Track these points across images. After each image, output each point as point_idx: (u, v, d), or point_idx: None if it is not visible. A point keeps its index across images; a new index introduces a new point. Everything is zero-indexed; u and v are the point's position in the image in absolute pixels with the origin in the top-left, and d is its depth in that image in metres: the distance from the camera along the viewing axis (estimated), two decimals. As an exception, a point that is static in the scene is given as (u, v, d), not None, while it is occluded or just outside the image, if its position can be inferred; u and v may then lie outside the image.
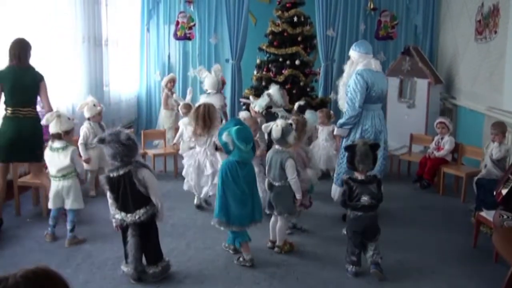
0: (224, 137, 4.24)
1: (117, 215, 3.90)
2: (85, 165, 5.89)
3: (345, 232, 4.41)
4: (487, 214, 4.48)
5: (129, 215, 3.84)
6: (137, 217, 3.82)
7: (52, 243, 4.66)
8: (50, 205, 4.71)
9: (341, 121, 5.45)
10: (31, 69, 5.13)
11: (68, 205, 4.69)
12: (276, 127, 4.40)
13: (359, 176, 4.12)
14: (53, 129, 4.68)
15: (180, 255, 4.47)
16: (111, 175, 3.82)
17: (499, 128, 5.49)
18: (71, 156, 4.66)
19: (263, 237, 4.80)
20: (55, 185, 4.68)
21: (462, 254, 4.59)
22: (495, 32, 6.58)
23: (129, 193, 3.80)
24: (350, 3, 9.45)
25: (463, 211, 5.71)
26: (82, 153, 5.92)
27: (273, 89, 5.82)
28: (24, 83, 5.00)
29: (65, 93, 7.11)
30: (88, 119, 6.13)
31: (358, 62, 5.40)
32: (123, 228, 3.94)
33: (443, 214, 5.68)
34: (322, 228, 5.13)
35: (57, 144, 4.68)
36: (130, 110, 9.87)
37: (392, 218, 5.54)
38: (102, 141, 3.77)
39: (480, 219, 4.64)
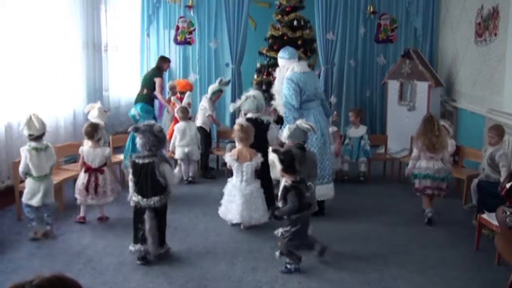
0: (133, 111, 6.50)
1: (134, 197, 4.34)
2: None
3: (278, 233, 4.32)
4: (489, 217, 4.47)
5: (144, 199, 4.29)
6: (151, 203, 4.28)
7: (52, 247, 4.66)
8: (39, 203, 4.83)
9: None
10: (152, 70, 8.24)
11: (50, 199, 4.97)
12: (306, 126, 4.58)
13: (297, 177, 4.22)
14: (31, 131, 4.83)
15: (181, 260, 4.46)
16: (137, 161, 4.32)
17: (496, 131, 5.50)
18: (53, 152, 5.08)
19: (265, 243, 4.80)
20: (47, 182, 4.89)
21: (464, 256, 4.58)
22: (495, 34, 6.58)
23: (149, 181, 4.28)
24: (349, 6, 9.47)
25: (464, 214, 5.71)
26: None
27: (257, 93, 5.80)
28: (145, 77, 8.20)
29: (65, 98, 7.12)
30: None
31: (285, 67, 5.69)
32: (138, 211, 4.35)
33: (445, 216, 5.66)
34: (322, 231, 5.11)
35: (40, 144, 4.87)
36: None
37: (393, 221, 5.53)
38: (136, 129, 4.31)
39: (482, 222, 4.63)
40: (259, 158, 5.20)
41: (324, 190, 5.53)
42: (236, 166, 5.12)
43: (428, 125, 5.57)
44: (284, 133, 4.70)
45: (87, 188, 5.24)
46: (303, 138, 4.58)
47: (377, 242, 4.90)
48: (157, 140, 4.27)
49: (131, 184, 4.40)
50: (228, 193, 5.23)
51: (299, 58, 5.88)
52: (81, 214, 5.36)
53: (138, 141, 4.32)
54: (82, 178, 5.26)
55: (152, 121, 4.43)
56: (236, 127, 5.25)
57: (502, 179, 5.24)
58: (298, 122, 4.61)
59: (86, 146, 5.38)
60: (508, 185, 3.96)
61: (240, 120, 5.41)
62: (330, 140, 5.90)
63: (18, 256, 4.46)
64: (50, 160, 4.95)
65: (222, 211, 5.27)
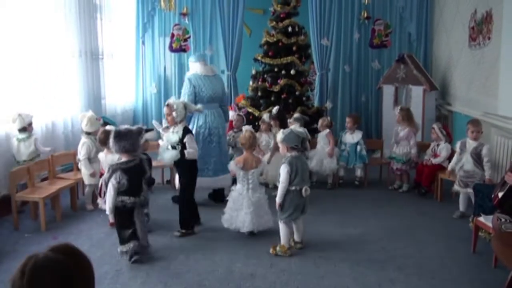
0: None
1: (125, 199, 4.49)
2: (89, 179, 5.94)
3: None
4: (486, 219, 4.48)
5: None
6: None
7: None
8: None
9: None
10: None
11: None
12: (301, 130, 4.67)
13: (128, 157, 4.60)
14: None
15: (179, 266, 4.46)
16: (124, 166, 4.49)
17: (480, 126, 5.60)
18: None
19: (264, 249, 4.80)
20: None
21: (461, 259, 4.59)
22: (489, 38, 6.62)
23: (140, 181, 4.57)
24: (344, 12, 9.51)
25: (461, 217, 5.72)
26: (87, 168, 5.94)
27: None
28: None
29: (63, 107, 7.12)
30: (89, 133, 6.11)
31: (192, 69, 6.25)
32: (128, 211, 4.53)
33: (442, 220, 5.68)
34: (320, 236, 5.13)
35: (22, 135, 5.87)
36: (126, 122, 9.85)
37: (391, 224, 5.54)
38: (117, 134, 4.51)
39: (479, 224, 4.64)
40: (263, 164, 5.25)
41: (205, 183, 6.03)
42: (242, 174, 5.10)
43: (411, 113, 6.97)
44: (279, 137, 4.76)
45: (99, 192, 5.42)
46: (296, 142, 4.63)
47: (374, 245, 4.91)
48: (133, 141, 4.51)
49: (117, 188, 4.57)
50: (234, 201, 5.14)
51: (207, 62, 6.41)
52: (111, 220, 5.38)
53: (120, 145, 4.48)
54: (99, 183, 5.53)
55: (130, 127, 4.66)
56: (246, 134, 5.23)
57: (487, 175, 5.36)
58: (293, 126, 4.68)
59: (103, 152, 5.60)
60: (500, 194, 4.03)
61: (248, 127, 5.48)
62: (222, 140, 6.26)
63: (16, 266, 4.42)
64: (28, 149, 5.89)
65: (226, 219, 5.17)
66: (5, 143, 5.90)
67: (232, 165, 5.17)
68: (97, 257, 4.65)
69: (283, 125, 6.50)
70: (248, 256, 4.66)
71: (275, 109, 7.01)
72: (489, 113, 6.34)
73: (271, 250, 4.73)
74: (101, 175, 5.52)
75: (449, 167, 5.97)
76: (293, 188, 4.61)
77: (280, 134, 4.74)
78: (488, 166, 5.45)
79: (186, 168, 5.26)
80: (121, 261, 4.51)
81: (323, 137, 7.06)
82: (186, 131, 5.21)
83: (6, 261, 4.54)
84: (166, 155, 5.23)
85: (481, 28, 6.91)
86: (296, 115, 7.08)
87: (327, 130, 7.07)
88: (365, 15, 9.50)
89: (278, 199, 4.66)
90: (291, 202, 4.63)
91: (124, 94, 9.82)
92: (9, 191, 5.50)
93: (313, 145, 7.18)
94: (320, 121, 7.26)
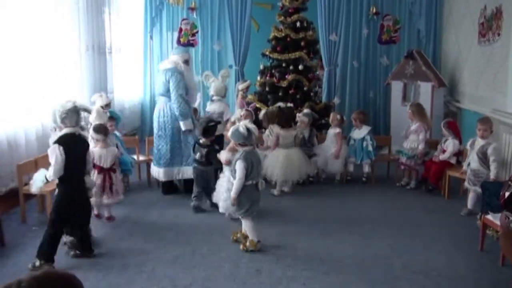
0: None
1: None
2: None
3: None
4: (494, 217, 4.45)
5: None
6: None
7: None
8: None
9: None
10: None
11: None
12: (243, 130, 4.61)
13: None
14: None
15: (185, 262, 4.46)
16: None
17: (489, 124, 5.54)
18: None
19: (268, 245, 4.80)
20: None
21: (468, 257, 4.56)
22: (499, 34, 6.56)
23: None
24: (352, 7, 9.48)
25: (469, 214, 5.69)
26: None
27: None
28: None
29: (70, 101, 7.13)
30: None
31: None
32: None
33: (449, 217, 5.65)
34: (326, 232, 5.13)
35: None
36: (133, 117, 9.90)
37: (398, 221, 5.52)
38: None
39: (486, 222, 4.62)
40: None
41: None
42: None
43: (421, 107, 6.92)
44: (228, 133, 4.88)
45: (103, 188, 5.31)
46: (241, 139, 4.62)
47: (380, 242, 4.89)
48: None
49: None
50: (230, 189, 5.13)
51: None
52: (95, 212, 5.40)
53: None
54: (95, 179, 5.22)
55: None
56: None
57: (492, 174, 5.31)
58: (242, 123, 4.75)
59: (96, 147, 5.39)
60: (507, 194, 4.00)
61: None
62: (162, 133, 6.32)
63: (22, 260, 4.45)
64: None
65: (227, 207, 5.22)
66: (11, 137, 5.90)
67: (226, 155, 5.27)
68: (103, 251, 4.67)
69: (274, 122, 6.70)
70: (254, 252, 4.66)
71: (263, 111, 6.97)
72: (498, 110, 6.30)
73: (241, 247, 4.71)
74: (101, 169, 5.36)
75: (463, 167, 5.91)
76: (249, 182, 4.61)
77: (231, 129, 4.80)
78: (494, 165, 5.35)
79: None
80: (127, 255, 4.52)
81: (331, 136, 7.01)
82: (56, 140, 4.32)
83: (13, 254, 4.57)
84: (36, 177, 4.63)
85: (490, 25, 6.85)
86: (305, 110, 7.07)
87: (337, 130, 6.96)
88: (374, 10, 9.47)
89: (233, 194, 4.62)
90: (248, 197, 4.64)
91: (132, 88, 9.84)
92: (16, 184, 5.53)
93: (321, 141, 7.17)
94: (331, 116, 7.22)
